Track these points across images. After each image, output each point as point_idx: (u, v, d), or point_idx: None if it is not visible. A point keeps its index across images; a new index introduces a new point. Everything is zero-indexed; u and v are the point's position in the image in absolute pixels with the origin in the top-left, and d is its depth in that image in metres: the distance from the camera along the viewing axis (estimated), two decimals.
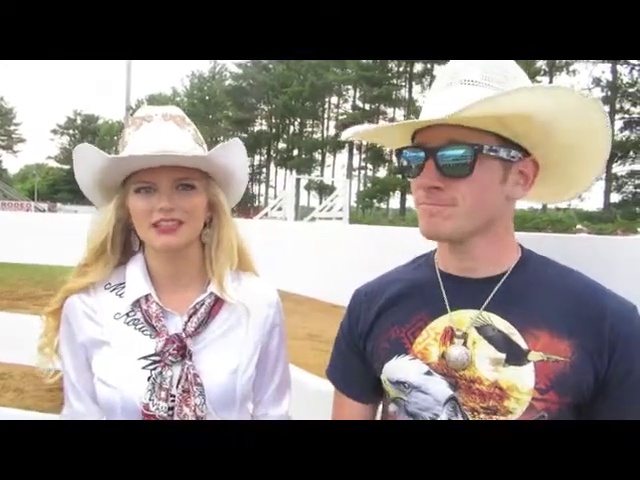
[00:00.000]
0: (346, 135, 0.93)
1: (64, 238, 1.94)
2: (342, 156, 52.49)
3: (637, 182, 31.76)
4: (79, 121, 69.59)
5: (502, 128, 0.79)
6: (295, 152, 51.13)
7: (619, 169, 32.15)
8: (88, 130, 67.43)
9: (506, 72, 0.81)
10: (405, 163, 0.85)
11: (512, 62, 0.84)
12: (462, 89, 0.80)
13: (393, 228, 1.64)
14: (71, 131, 69.74)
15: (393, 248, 1.42)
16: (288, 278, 1.53)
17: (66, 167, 65.91)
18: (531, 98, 0.74)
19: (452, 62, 0.85)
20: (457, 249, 0.85)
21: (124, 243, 1.05)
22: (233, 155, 1.03)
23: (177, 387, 0.94)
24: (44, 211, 31.56)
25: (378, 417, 1.00)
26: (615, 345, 0.75)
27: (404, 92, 44.44)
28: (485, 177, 0.79)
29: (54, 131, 70.07)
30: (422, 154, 0.81)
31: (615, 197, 32.82)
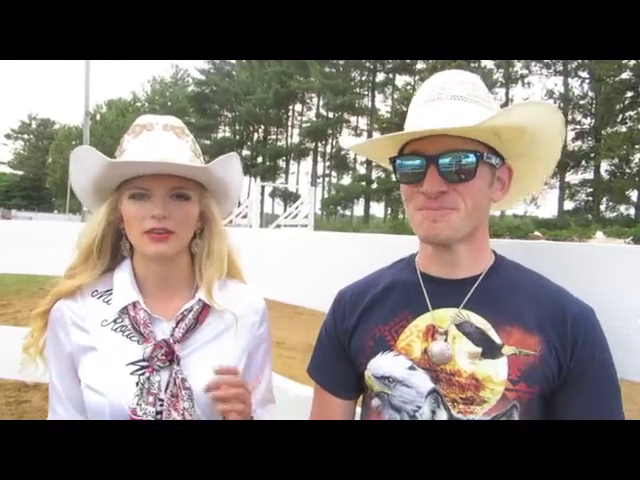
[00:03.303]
0: (348, 145, 1.01)
1: (19, 245, 1.87)
2: (306, 163, 52.74)
3: (589, 190, 33.17)
4: (34, 125, 67.09)
5: (496, 139, 0.85)
6: (259, 159, 50.84)
7: (572, 178, 33.52)
8: (44, 135, 65.07)
9: (486, 90, 0.89)
10: (403, 171, 0.88)
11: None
12: (453, 103, 0.86)
13: (357, 235, 1.66)
14: (26, 136, 67.17)
15: (357, 254, 1.44)
16: (253, 284, 1.52)
17: (20, 173, 63.39)
18: (532, 112, 0.81)
19: (437, 77, 0.90)
20: (443, 255, 0.91)
21: (113, 248, 1.05)
22: (230, 168, 1.06)
23: (165, 392, 0.94)
24: None
25: (358, 411, 1.04)
26: (576, 342, 0.82)
27: (367, 101, 45.06)
28: (480, 182, 0.85)
29: (7, 136, 67.32)
30: (422, 162, 0.85)
31: (568, 205, 34.19)
